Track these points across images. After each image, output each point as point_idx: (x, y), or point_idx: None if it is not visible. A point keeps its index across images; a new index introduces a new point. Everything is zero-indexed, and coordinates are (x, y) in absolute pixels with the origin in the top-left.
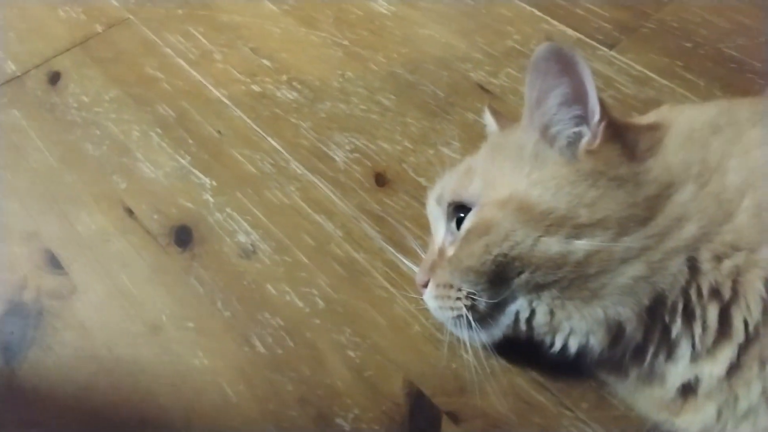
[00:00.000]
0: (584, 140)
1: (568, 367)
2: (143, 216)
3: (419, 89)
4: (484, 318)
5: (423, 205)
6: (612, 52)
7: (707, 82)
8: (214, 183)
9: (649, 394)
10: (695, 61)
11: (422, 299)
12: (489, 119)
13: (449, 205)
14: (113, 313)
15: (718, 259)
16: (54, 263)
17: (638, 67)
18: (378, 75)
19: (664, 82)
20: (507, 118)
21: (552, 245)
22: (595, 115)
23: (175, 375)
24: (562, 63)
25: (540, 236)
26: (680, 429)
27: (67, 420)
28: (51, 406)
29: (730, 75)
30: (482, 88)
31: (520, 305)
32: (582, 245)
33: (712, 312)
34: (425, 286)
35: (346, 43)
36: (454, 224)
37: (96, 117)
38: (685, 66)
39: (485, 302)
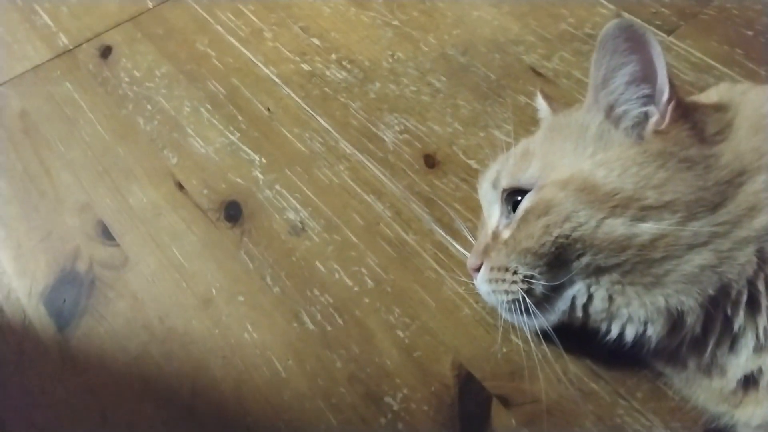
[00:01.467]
0: (652, 120)
1: (622, 356)
2: (193, 191)
3: (471, 71)
4: (539, 302)
5: (473, 187)
6: (670, 38)
7: None
8: (264, 160)
9: (707, 386)
10: (756, 49)
11: (473, 283)
12: (541, 103)
13: (505, 189)
14: (165, 285)
15: None
16: (106, 234)
17: (697, 54)
18: (429, 56)
19: (724, 69)
20: (559, 102)
21: (617, 227)
22: (664, 94)
23: (226, 347)
24: (632, 40)
25: (604, 218)
26: (740, 422)
27: (119, 388)
28: (103, 374)
29: None
30: (535, 71)
31: (577, 290)
32: (648, 228)
33: None
34: (477, 270)
35: (396, 23)
36: (510, 207)
37: (147, 92)
38: (745, 54)
39: (542, 285)
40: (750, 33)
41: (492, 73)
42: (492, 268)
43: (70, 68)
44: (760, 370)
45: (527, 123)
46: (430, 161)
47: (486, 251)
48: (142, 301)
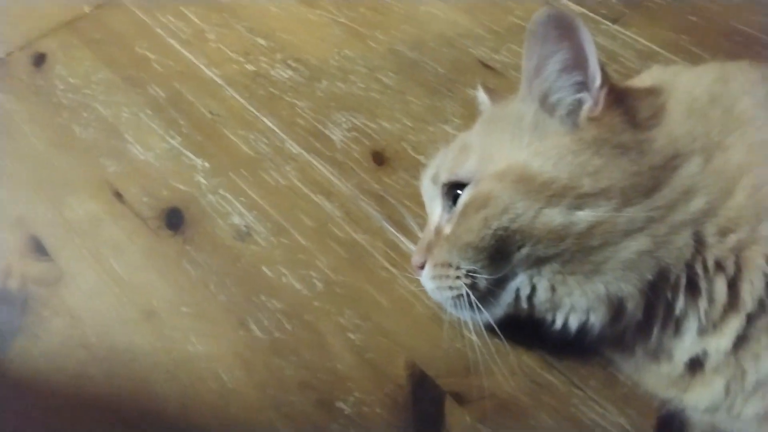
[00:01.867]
0: (586, 107)
1: (574, 346)
2: (133, 199)
3: (420, 66)
4: (484, 296)
5: None
6: (616, 26)
7: (713, 55)
8: (207, 164)
9: (656, 371)
10: (702, 35)
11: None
12: (482, 96)
13: (445, 184)
14: (104, 300)
15: (723, 233)
16: (40, 250)
17: (643, 41)
18: (378, 53)
19: (670, 55)
20: (501, 95)
21: (554, 217)
22: (596, 80)
23: (170, 362)
24: (561, 28)
25: (541, 208)
26: (689, 405)
27: (58, 410)
28: (40, 396)
29: (737, 49)
30: (484, 64)
31: (520, 282)
32: (585, 216)
33: (720, 285)
34: (422, 267)
35: (344, 20)
36: (450, 202)
37: (84, 99)
38: (691, 40)
39: (485, 279)
40: (695, 19)
41: (441, 68)
42: (435, 265)
43: (2, 78)
44: (705, 353)
45: (476, 116)
46: (379, 158)
47: (429, 248)
48: (80, 318)
